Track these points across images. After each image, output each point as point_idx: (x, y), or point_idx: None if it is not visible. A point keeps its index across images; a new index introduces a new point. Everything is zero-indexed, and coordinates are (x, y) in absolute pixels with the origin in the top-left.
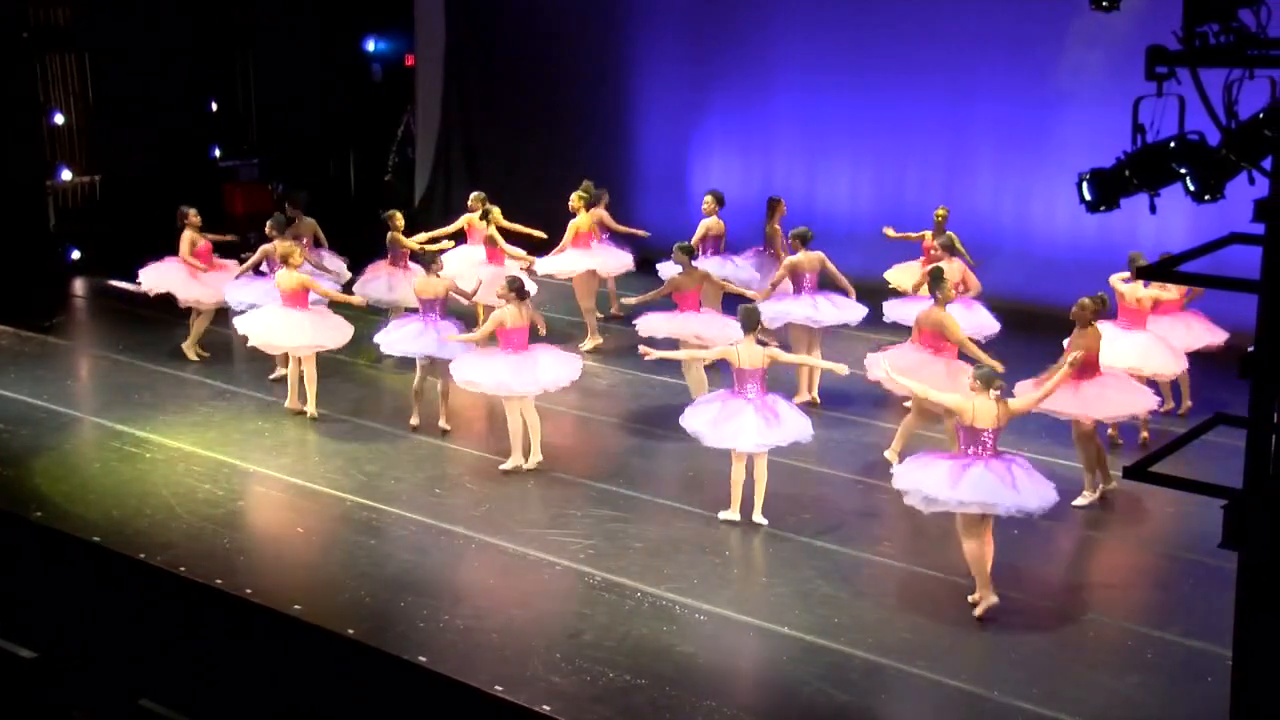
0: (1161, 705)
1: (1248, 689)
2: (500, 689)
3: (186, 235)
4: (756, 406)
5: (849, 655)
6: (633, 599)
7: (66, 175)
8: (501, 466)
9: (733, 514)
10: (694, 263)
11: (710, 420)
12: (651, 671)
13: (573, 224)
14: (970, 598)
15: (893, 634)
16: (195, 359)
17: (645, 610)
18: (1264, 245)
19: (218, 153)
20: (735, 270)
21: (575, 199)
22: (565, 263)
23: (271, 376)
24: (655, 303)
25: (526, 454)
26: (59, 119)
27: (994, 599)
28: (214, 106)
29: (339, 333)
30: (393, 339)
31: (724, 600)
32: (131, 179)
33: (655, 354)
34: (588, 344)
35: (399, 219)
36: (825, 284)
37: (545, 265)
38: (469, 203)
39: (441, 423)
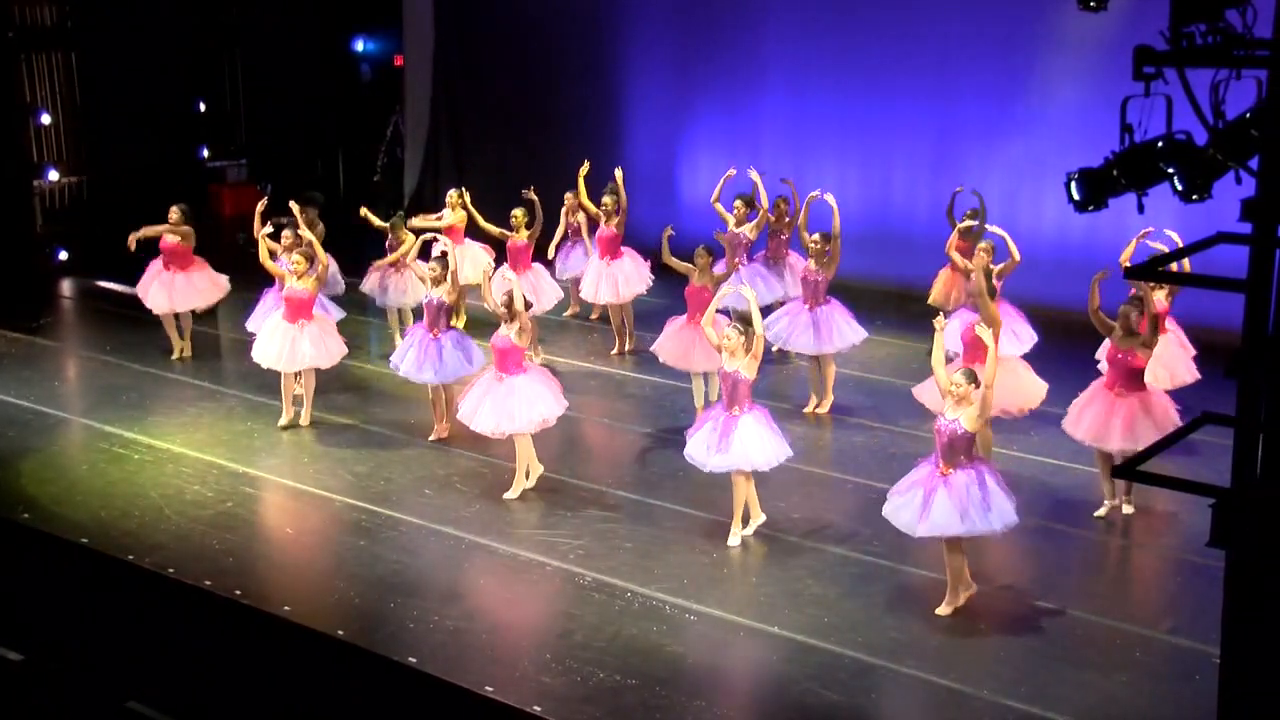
0: (1149, 704)
1: (1235, 688)
2: (490, 689)
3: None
4: (715, 424)
5: (838, 654)
6: (623, 599)
7: (54, 176)
8: (506, 496)
9: (735, 534)
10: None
11: (690, 434)
12: (641, 671)
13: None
14: (940, 610)
15: (882, 633)
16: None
17: (635, 610)
18: (1251, 244)
19: (206, 153)
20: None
21: (610, 201)
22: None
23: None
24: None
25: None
26: (45, 119)
27: (971, 590)
28: (202, 107)
29: (334, 351)
30: (402, 363)
31: (714, 600)
32: (119, 179)
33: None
34: (621, 348)
35: (400, 226)
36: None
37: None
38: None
39: (440, 433)
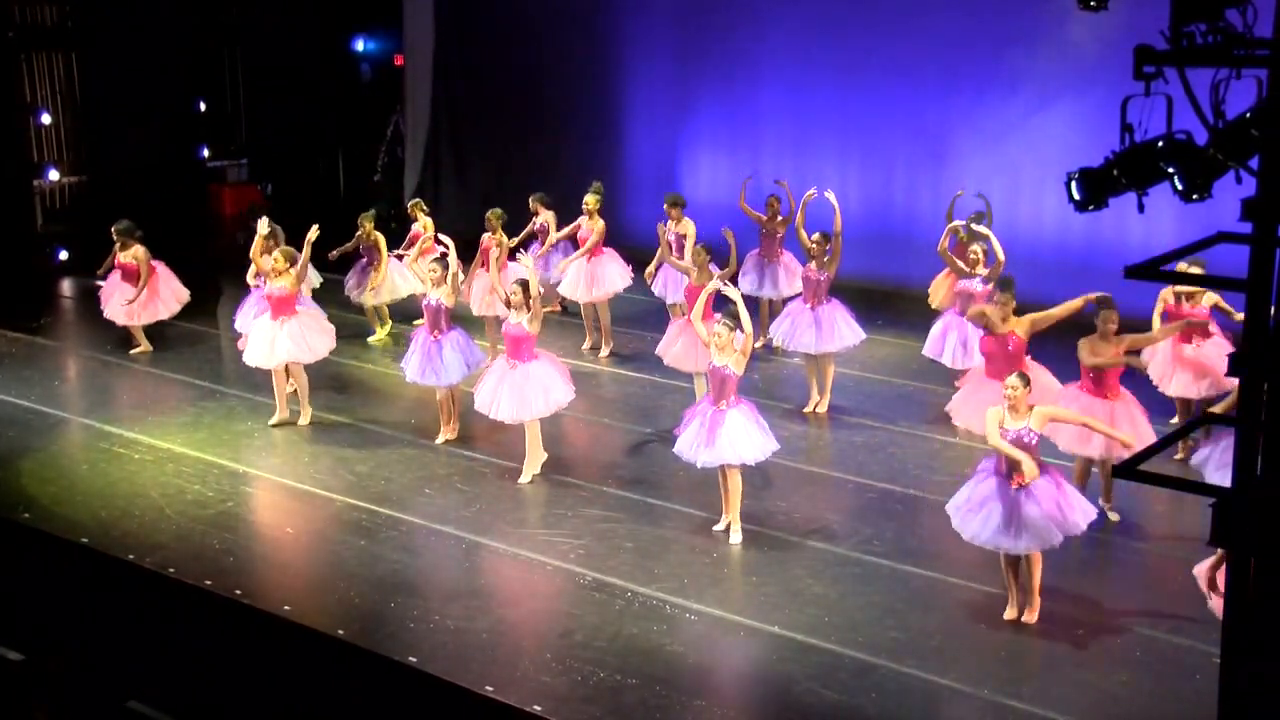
0: (1150, 703)
1: (1235, 688)
2: (490, 689)
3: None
4: (703, 419)
5: (839, 654)
6: (623, 599)
7: (54, 175)
8: (520, 481)
9: (720, 524)
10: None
11: (682, 434)
12: (642, 671)
13: (595, 229)
14: (1021, 615)
15: (882, 633)
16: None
17: (636, 610)
18: (1251, 244)
19: (206, 153)
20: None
21: (593, 200)
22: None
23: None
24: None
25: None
26: (46, 119)
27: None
28: (202, 106)
29: (324, 341)
30: (408, 367)
31: (714, 600)
32: (119, 179)
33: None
34: (603, 350)
35: (369, 223)
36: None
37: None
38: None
39: (448, 434)
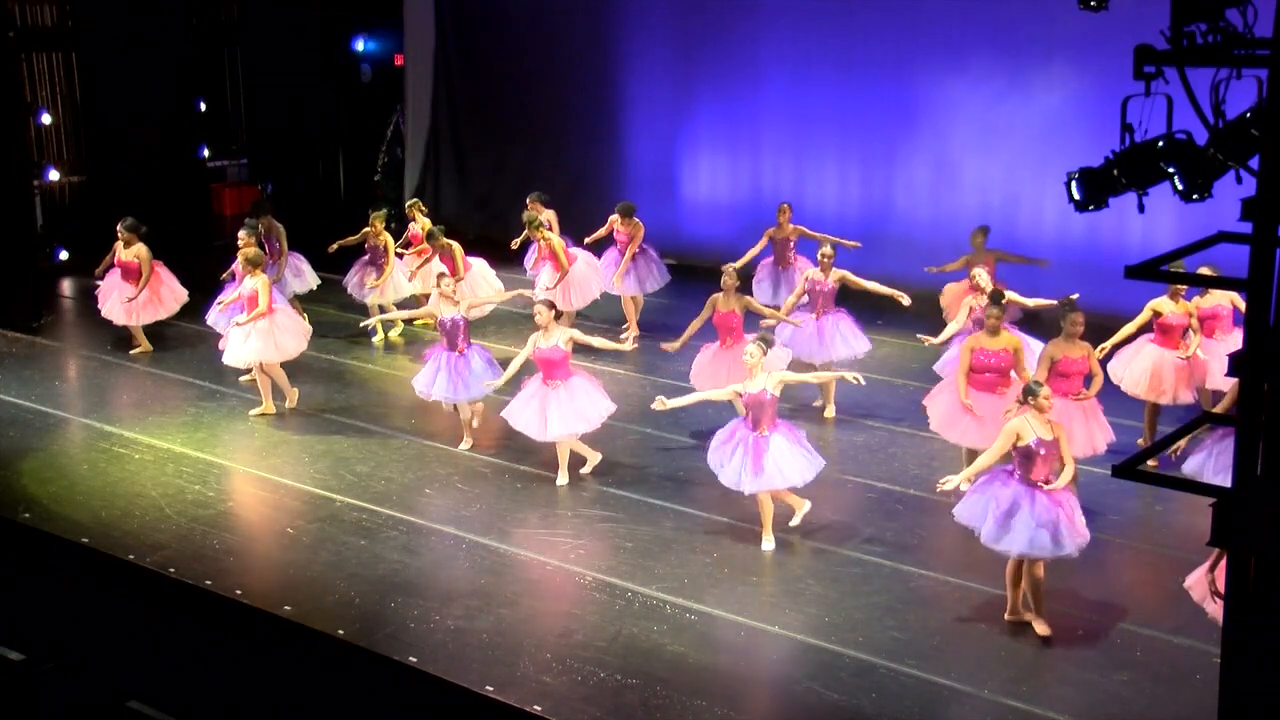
0: (1150, 703)
1: (1235, 687)
2: (490, 689)
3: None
4: (746, 445)
5: (839, 654)
6: (623, 599)
7: (54, 175)
8: (582, 470)
9: (766, 540)
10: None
11: (714, 452)
12: (642, 671)
13: (554, 240)
14: (1008, 618)
15: (882, 633)
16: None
17: (636, 610)
18: (1251, 244)
19: (206, 153)
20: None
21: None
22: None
23: (243, 379)
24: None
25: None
26: (46, 119)
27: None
28: (203, 106)
29: (294, 341)
30: (422, 380)
31: (714, 600)
32: (119, 179)
33: (669, 405)
34: None
35: (379, 222)
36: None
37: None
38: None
39: (465, 446)
